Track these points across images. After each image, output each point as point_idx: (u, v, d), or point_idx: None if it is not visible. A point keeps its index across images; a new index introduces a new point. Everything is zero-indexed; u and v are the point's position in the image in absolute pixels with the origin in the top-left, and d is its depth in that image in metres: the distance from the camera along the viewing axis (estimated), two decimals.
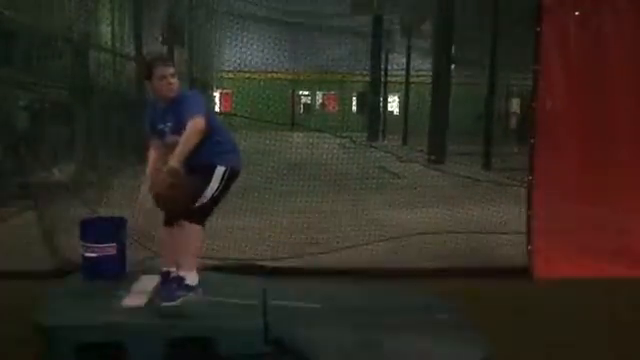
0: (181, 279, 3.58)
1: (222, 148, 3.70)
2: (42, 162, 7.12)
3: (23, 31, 7.89)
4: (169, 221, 3.81)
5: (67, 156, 8.49)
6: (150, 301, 3.77)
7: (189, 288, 3.57)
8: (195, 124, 3.44)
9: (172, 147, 3.53)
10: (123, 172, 9.24)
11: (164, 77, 3.60)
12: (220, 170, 3.61)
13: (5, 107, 8.23)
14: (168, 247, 3.90)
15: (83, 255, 4.21)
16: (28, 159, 6.91)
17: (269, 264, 5.21)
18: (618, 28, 5.35)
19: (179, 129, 3.50)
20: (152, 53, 3.61)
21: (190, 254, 3.64)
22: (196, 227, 3.60)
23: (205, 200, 3.58)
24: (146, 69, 3.67)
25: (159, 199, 3.51)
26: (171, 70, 3.63)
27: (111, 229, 4.35)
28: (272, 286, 4.15)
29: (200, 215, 3.61)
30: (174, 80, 3.63)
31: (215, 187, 3.60)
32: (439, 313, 3.93)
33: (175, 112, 3.59)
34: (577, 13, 5.39)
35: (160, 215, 3.81)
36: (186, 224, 3.59)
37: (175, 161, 3.39)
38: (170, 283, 3.61)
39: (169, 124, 3.64)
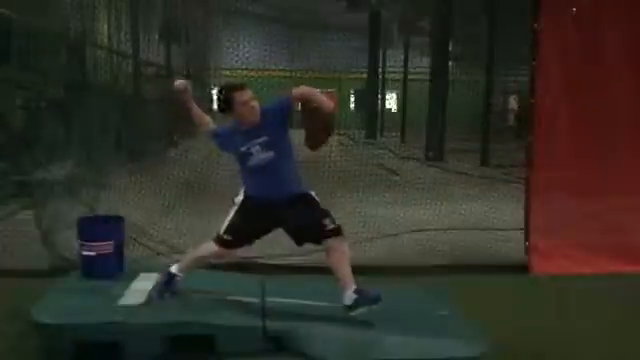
0: (361, 291, 3.62)
1: (298, 173, 3.78)
2: (39, 161, 7.10)
3: (19, 29, 7.87)
4: (228, 244, 3.75)
5: (64, 155, 8.47)
6: (148, 299, 3.77)
7: (372, 300, 3.59)
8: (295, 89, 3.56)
9: (260, 168, 3.60)
10: (120, 171, 9.22)
11: (246, 102, 3.56)
12: (313, 193, 3.75)
13: (2, 106, 8.21)
14: (201, 259, 3.91)
15: (81, 254, 4.21)
16: (25, 158, 6.89)
17: (268, 262, 5.21)
18: (615, 24, 5.36)
19: (272, 144, 3.56)
20: (226, 83, 3.61)
21: (349, 268, 3.67)
22: (343, 238, 3.68)
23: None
24: (226, 100, 3.59)
25: (320, 134, 3.59)
26: (250, 93, 3.60)
27: (109, 227, 4.35)
28: (271, 284, 4.15)
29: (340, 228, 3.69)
30: (255, 102, 3.60)
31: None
32: (437, 309, 3.93)
33: (267, 127, 3.57)
34: (574, 9, 5.39)
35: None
36: (334, 241, 3.62)
37: (321, 97, 3.49)
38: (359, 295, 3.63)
39: (262, 140, 3.57)
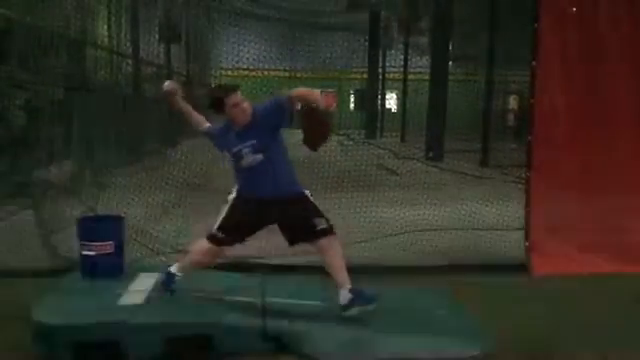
0: (357, 291, 3.64)
1: (291, 173, 3.81)
2: (39, 161, 7.11)
3: (19, 29, 7.86)
4: (220, 241, 3.76)
5: (64, 155, 8.48)
6: (148, 299, 3.78)
7: (367, 300, 3.61)
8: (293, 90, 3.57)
9: (252, 168, 3.60)
10: (120, 170, 9.23)
11: (237, 104, 3.59)
12: (308, 193, 3.77)
13: (1, 106, 8.21)
14: (197, 258, 3.90)
15: (81, 254, 4.21)
16: (25, 158, 6.90)
17: (268, 262, 5.20)
18: (615, 24, 5.35)
19: (261, 148, 3.58)
20: (217, 85, 3.63)
21: (343, 268, 3.68)
22: (335, 238, 3.69)
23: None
24: (217, 103, 3.61)
25: (318, 133, 3.62)
26: (240, 95, 3.62)
27: (109, 227, 4.35)
28: (271, 284, 4.15)
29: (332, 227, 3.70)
30: (246, 104, 3.62)
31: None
32: (437, 309, 3.93)
33: (257, 129, 3.59)
34: (574, 9, 5.39)
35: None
36: (325, 241, 3.64)
37: (317, 95, 3.50)
38: (356, 294, 3.64)
39: (250, 143, 3.59)
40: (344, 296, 3.63)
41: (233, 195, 3.78)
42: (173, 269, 3.89)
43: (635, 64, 5.38)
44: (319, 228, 3.64)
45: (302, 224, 3.67)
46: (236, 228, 3.75)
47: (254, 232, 3.84)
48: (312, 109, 3.53)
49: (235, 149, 3.66)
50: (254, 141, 3.59)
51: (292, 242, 3.81)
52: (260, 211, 3.68)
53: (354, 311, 3.61)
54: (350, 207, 6.52)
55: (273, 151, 3.64)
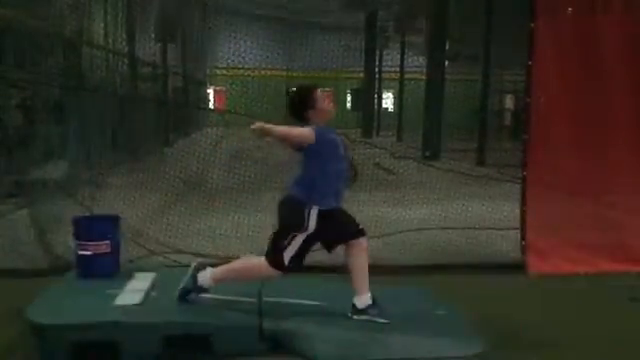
0: (375, 301, 3.64)
1: None
2: (35, 160, 7.09)
3: (15, 28, 7.85)
4: (287, 269, 3.60)
5: (60, 154, 8.47)
6: (145, 299, 3.77)
7: (381, 314, 3.61)
8: None
9: (342, 166, 3.64)
10: (115, 170, 9.22)
11: (326, 97, 3.62)
12: None
13: None
14: (244, 276, 3.83)
15: (77, 253, 4.20)
16: (21, 157, 6.88)
17: None
18: (611, 24, 5.37)
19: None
20: (298, 86, 3.47)
21: (367, 272, 3.67)
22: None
23: None
24: (307, 98, 3.56)
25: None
26: None
27: (105, 227, 4.34)
28: (268, 283, 4.15)
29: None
30: None
31: None
32: (435, 309, 3.93)
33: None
34: (570, 9, 5.40)
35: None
36: (363, 239, 3.64)
37: None
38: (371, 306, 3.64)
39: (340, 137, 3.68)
40: (364, 300, 3.61)
41: (312, 223, 3.52)
42: (206, 281, 3.69)
43: (631, 64, 5.39)
44: (360, 227, 3.66)
45: (347, 225, 3.65)
46: (304, 255, 3.62)
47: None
48: None
49: (338, 138, 3.62)
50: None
51: (331, 248, 3.70)
52: (327, 226, 3.57)
53: (364, 318, 3.60)
54: (346, 206, 6.52)
55: None
